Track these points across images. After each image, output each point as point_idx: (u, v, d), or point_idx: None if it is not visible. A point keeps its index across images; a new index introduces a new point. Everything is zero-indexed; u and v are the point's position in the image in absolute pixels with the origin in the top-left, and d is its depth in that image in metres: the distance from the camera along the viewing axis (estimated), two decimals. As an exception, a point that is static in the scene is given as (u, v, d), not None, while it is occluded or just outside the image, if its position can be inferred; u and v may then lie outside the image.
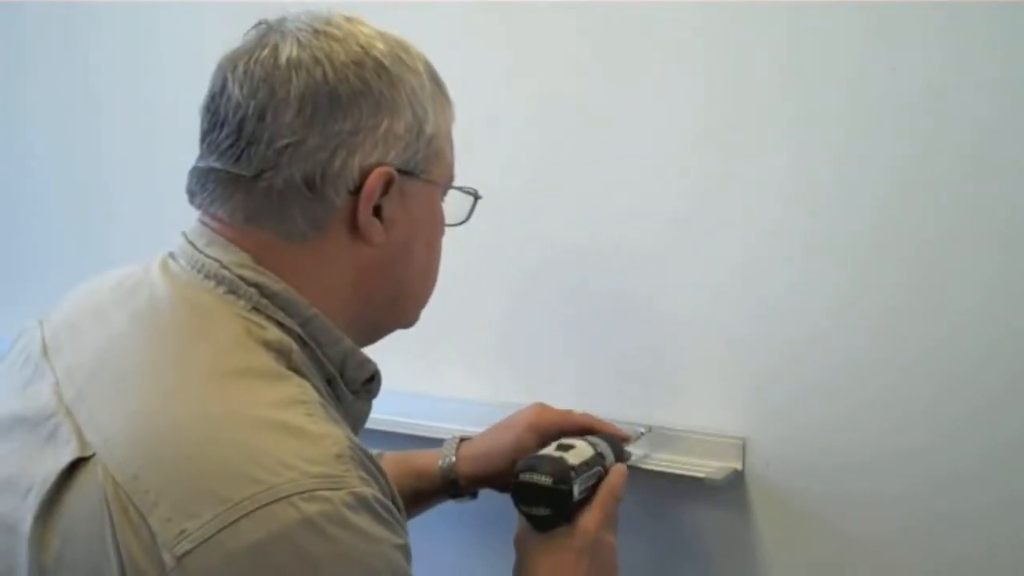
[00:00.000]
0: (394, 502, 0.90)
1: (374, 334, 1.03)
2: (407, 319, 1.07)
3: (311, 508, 0.81)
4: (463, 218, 1.08)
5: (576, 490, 1.10)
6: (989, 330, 1.17)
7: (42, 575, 0.85)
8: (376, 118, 0.95)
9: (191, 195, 0.99)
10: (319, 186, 0.93)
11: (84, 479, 0.85)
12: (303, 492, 0.81)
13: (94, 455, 0.86)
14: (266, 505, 0.80)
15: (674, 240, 1.31)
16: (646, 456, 1.30)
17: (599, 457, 1.15)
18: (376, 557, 0.84)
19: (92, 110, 1.72)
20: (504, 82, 1.39)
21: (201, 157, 0.98)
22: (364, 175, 0.95)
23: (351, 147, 0.94)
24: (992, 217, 1.16)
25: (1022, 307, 1.15)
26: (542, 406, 1.23)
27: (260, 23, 0.99)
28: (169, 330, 0.93)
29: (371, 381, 1.02)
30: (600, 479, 1.14)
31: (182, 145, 1.63)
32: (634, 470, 1.24)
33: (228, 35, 1.56)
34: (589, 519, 1.10)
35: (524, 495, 1.10)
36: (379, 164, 0.95)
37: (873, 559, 1.24)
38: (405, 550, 0.88)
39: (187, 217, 1.63)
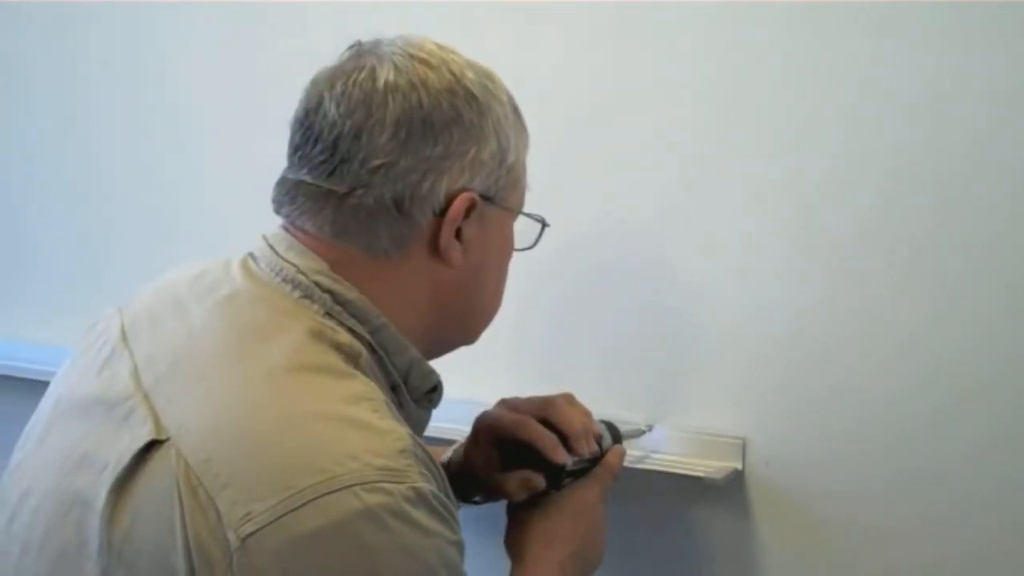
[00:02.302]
0: (449, 499, 0.92)
1: (440, 349, 1.07)
2: (472, 337, 1.11)
3: (372, 499, 0.84)
4: (530, 244, 1.11)
5: (569, 462, 1.14)
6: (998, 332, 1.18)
7: (111, 549, 0.88)
8: (465, 145, 0.99)
9: (278, 205, 1.02)
10: (407, 207, 0.97)
11: (158, 461, 0.88)
12: (366, 483, 0.84)
13: (169, 439, 0.89)
14: (329, 493, 0.83)
15: (673, 240, 1.32)
16: (646, 456, 1.31)
17: (596, 438, 1.18)
18: (431, 551, 0.87)
19: (91, 112, 1.71)
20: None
21: (290, 169, 1.01)
22: (450, 199, 0.98)
23: (440, 171, 0.97)
24: (988, 217, 1.17)
25: (1013, 305, 1.17)
26: (497, 416, 1.20)
27: (354, 44, 1.03)
28: (247, 327, 0.96)
29: (433, 391, 1.05)
30: (596, 458, 1.17)
31: (180, 146, 1.65)
32: (634, 470, 1.25)
33: (226, 37, 1.58)
34: (587, 490, 1.15)
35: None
36: (464, 189, 0.99)
37: (873, 557, 1.25)
38: (460, 546, 0.91)
39: (184, 217, 1.65)
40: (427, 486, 0.87)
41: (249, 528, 0.82)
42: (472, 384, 1.38)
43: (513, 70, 1.37)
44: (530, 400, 1.19)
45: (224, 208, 1.61)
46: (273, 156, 1.57)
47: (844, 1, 1.20)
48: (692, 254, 1.30)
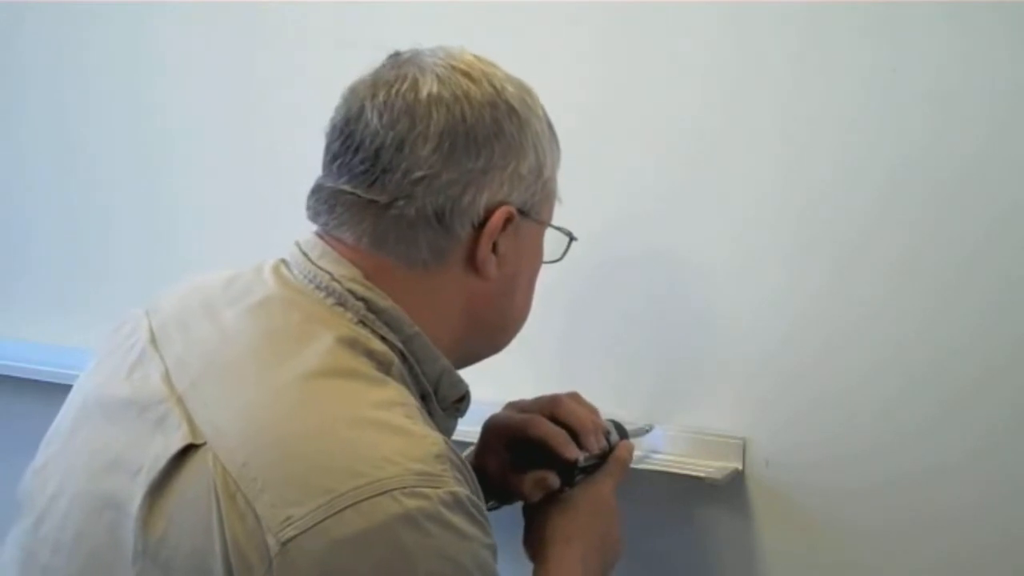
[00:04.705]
0: (482, 502, 0.93)
1: (468, 360, 1.07)
2: (499, 348, 1.11)
3: (412, 503, 0.84)
4: (557, 257, 1.12)
5: (581, 458, 1.15)
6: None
7: (146, 553, 0.88)
8: (506, 159, 0.99)
9: (314, 214, 1.02)
10: (448, 219, 0.98)
11: (194, 465, 0.89)
12: (405, 488, 0.85)
13: (205, 443, 0.89)
14: (370, 498, 0.84)
15: (672, 240, 1.32)
16: (646, 456, 1.31)
17: (605, 434, 1.19)
18: (467, 554, 0.88)
19: (88, 111, 1.71)
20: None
21: (328, 177, 1.01)
22: (489, 212, 0.99)
23: (480, 185, 0.98)
24: (988, 217, 1.18)
25: (1013, 304, 1.17)
26: (506, 417, 1.21)
27: (394, 54, 1.03)
28: (280, 331, 0.96)
29: (461, 400, 1.06)
30: (605, 454, 1.18)
31: (178, 146, 1.64)
32: (635, 470, 1.25)
33: (226, 39, 1.57)
34: (601, 484, 1.16)
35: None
36: (503, 203, 1.00)
37: (874, 557, 1.25)
38: (493, 549, 0.92)
39: (182, 217, 1.64)
40: (463, 490, 0.88)
41: (289, 532, 0.83)
42: (475, 381, 1.38)
43: (513, 70, 1.38)
44: (537, 400, 1.20)
45: (222, 208, 1.61)
46: (271, 156, 1.58)
47: (847, 1, 1.20)
48: (692, 255, 1.31)
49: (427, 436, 0.90)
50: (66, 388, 1.63)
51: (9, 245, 1.81)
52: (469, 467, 0.94)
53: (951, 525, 1.21)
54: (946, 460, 1.21)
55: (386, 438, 0.88)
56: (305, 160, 1.57)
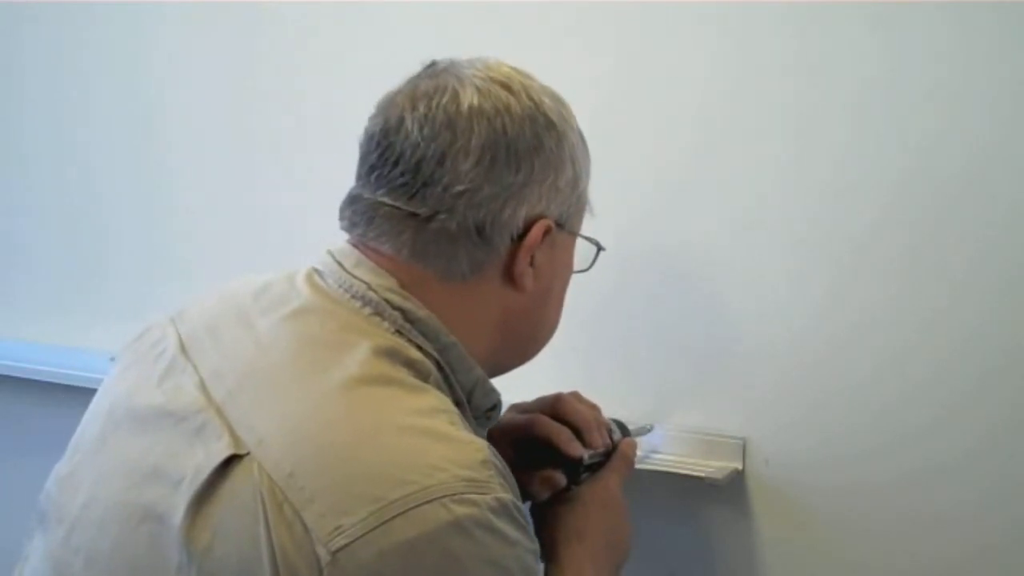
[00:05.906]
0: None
1: (499, 370, 1.07)
2: (530, 358, 1.11)
3: (460, 510, 0.85)
4: (586, 266, 1.12)
5: (586, 455, 1.16)
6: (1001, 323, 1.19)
7: (191, 563, 0.88)
8: (544, 172, 1.00)
9: (352, 225, 1.01)
10: (488, 232, 0.98)
11: (239, 475, 0.88)
12: (454, 495, 0.85)
13: (248, 453, 0.89)
14: (419, 505, 0.84)
15: (673, 241, 1.32)
16: (646, 456, 1.31)
17: (608, 432, 1.20)
18: (514, 560, 0.89)
19: (88, 111, 1.70)
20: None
21: (365, 188, 1.00)
22: (528, 225, 1.00)
23: (520, 198, 0.99)
24: (989, 219, 1.18)
25: (1014, 305, 1.18)
26: (509, 418, 1.21)
27: (430, 64, 1.03)
28: (318, 340, 0.96)
29: (493, 409, 1.06)
30: (608, 452, 1.19)
31: (176, 147, 1.64)
32: (635, 470, 1.24)
33: (225, 39, 1.57)
34: (607, 481, 1.16)
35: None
36: (541, 216, 1.00)
37: (874, 556, 1.26)
38: (536, 554, 0.93)
39: (181, 218, 1.64)
40: (508, 496, 0.89)
41: (340, 542, 0.83)
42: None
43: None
44: (539, 400, 1.20)
45: (221, 208, 1.61)
46: (271, 156, 1.58)
47: (847, 1, 1.20)
48: (693, 255, 1.31)
49: (472, 442, 0.90)
50: (66, 388, 1.64)
51: (9, 245, 1.80)
52: (510, 471, 0.94)
53: (951, 525, 1.22)
54: (946, 460, 1.22)
55: (432, 445, 0.88)
56: (304, 160, 1.57)
